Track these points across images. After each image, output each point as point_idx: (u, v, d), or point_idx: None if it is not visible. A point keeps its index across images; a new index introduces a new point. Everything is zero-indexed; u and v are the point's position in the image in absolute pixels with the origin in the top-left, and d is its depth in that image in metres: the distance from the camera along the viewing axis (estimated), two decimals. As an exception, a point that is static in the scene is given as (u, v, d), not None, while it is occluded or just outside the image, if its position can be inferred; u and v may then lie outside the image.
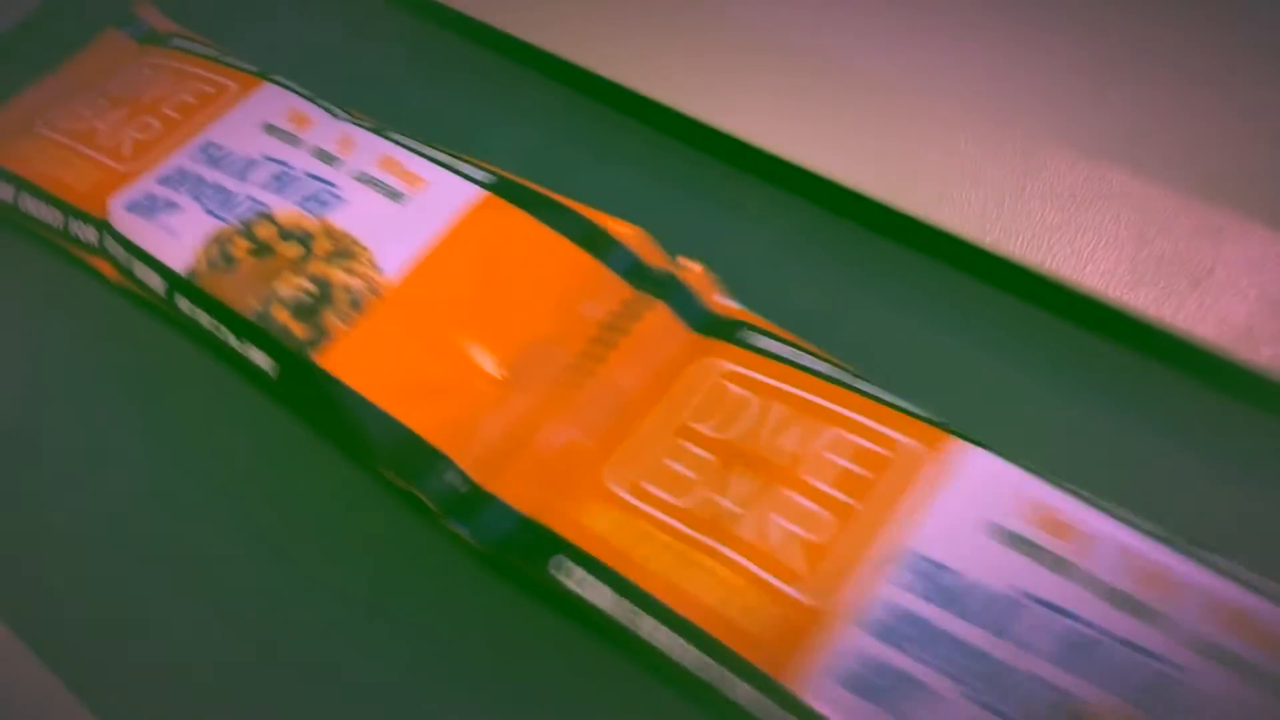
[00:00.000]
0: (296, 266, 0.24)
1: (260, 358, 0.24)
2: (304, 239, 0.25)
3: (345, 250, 0.24)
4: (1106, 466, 0.22)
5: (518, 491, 0.22)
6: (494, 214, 0.25)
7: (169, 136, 0.28)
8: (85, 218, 0.27)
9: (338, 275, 0.24)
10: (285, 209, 0.25)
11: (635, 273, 0.24)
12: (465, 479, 0.22)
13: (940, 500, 0.19)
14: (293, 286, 0.24)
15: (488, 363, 0.23)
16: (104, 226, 0.26)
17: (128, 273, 0.26)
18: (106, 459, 0.25)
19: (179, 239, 0.25)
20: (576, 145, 0.28)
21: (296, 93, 0.28)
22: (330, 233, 0.25)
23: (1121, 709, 0.17)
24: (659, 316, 0.24)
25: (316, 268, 0.24)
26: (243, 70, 0.29)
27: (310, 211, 0.25)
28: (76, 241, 0.27)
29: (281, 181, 0.26)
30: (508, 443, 0.22)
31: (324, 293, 0.24)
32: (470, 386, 0.22)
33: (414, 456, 0.22)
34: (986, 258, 0.24)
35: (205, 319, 0.25)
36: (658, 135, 0.29)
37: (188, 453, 0.25)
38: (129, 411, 0.25)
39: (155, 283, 0.25)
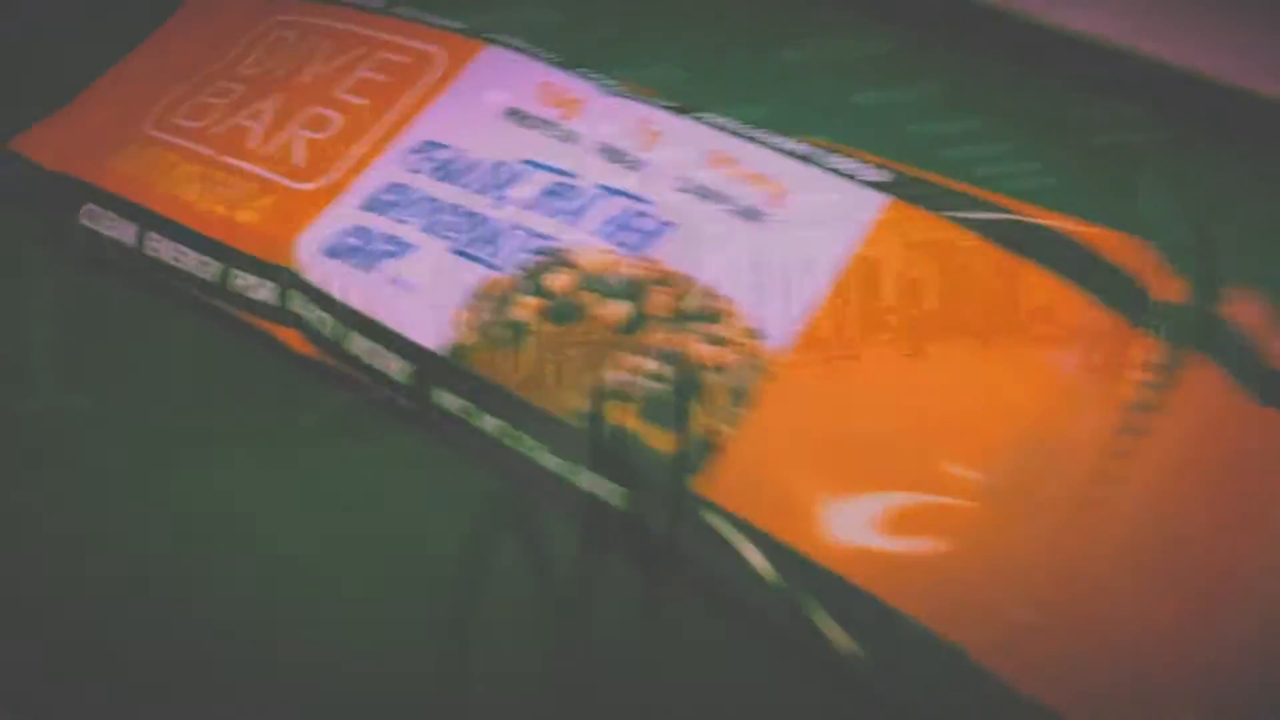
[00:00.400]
0: (627, 336, 0.16)
1: (597, 483, 0.15)
2: (628, 291, 0.16)
3: (700, 307, 0.16)
4: None
5: (1068, 696, 0.14)
6: (908, 232, 0.16)
7: (360, 134, 0.19)
8: (258, 266, 0.18)
9: (698, 347, 0.16)
10: (584, 244, 0.17)
11: (1148, 312, 0.16)
12: (981, 675, 0.14)
13: None
14: (630, 369, 0.16)
15: (959, 471, 0.15)
16: (290, 279, 0.18)
17: (333, 347, 0.18)
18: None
19: (421, 297, 0.17)
20: (966, 114, 0.20)
21: (544, 60, 0.19)
22: (668, 279, 0.16)
23: None
24: (1205, 383, 0.15)
25: (660, 336, 0.16)
26: (444, 28, 0.20)
27: (625, 246, 0.17)
28: (241, 299, 0.18)
29: (564, 200, 0.17)
30: (1033, 611, 0.14)
31: (685, 377, 0.15)
32: (946, 515, 0.14)
33: (894, 644, 0.14)
34: None
35: (490, 423, 0.16)
36: (1088, 95, 0.20)
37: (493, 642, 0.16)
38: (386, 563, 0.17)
39: (390, 365, 0.17)
